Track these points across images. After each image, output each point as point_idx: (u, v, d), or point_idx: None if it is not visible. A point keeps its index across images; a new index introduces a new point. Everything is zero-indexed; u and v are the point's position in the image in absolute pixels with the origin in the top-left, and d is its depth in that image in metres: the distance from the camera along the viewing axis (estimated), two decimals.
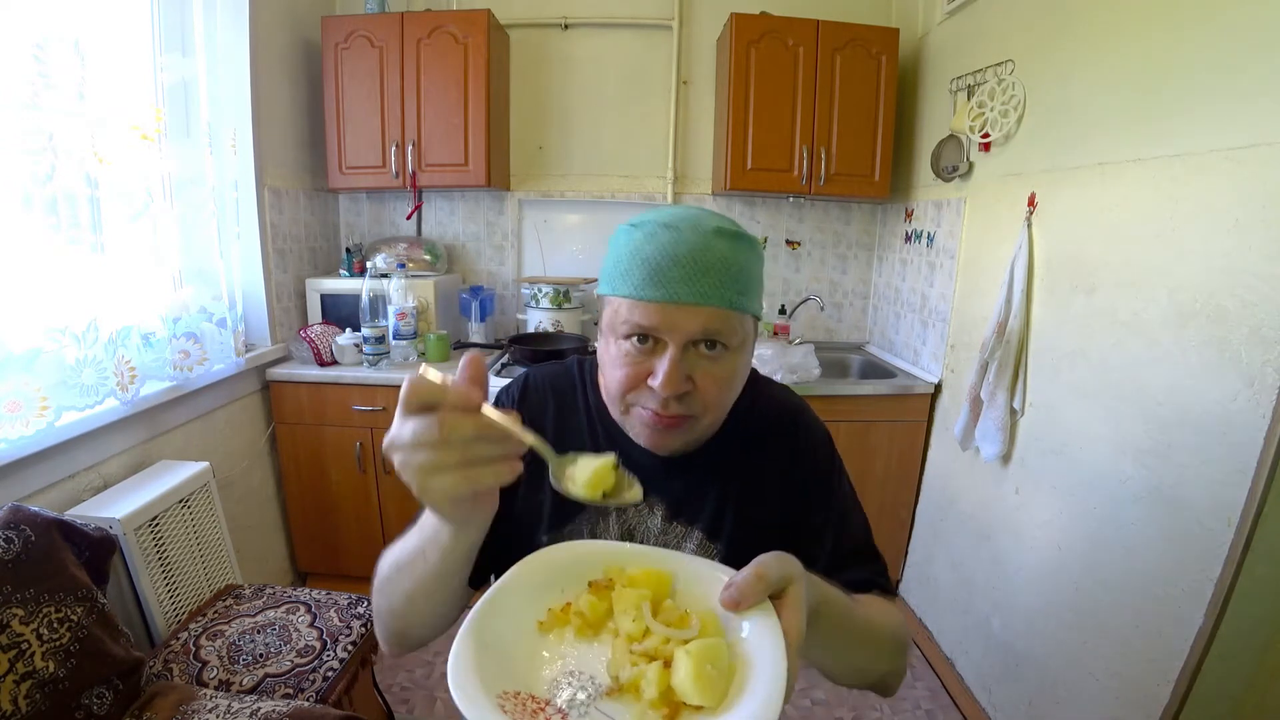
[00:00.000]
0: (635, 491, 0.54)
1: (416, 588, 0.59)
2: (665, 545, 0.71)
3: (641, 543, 0.71)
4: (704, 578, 0.50)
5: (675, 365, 0.62)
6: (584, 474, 0.49)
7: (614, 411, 0.71)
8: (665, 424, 0.65)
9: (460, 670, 0.43)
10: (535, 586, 0.51)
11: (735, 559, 0.69)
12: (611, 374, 0.66)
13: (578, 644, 0.48)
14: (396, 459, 0.44)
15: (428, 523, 0.54)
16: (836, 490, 0.79)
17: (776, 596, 0.48)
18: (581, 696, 0.44)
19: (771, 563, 0.48)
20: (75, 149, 1.41)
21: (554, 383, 0.81)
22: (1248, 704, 1.15)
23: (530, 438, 0.46)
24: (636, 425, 0.68)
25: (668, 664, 0.44)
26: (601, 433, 0.76)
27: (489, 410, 0.44)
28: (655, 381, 0.63)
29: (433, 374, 0.43)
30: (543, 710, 0.43)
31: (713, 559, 0.67)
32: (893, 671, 0.69)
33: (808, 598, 0.49)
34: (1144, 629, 1.25)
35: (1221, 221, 1.12)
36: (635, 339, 0.64)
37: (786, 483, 0.76)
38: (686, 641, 0.45)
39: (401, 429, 0.44)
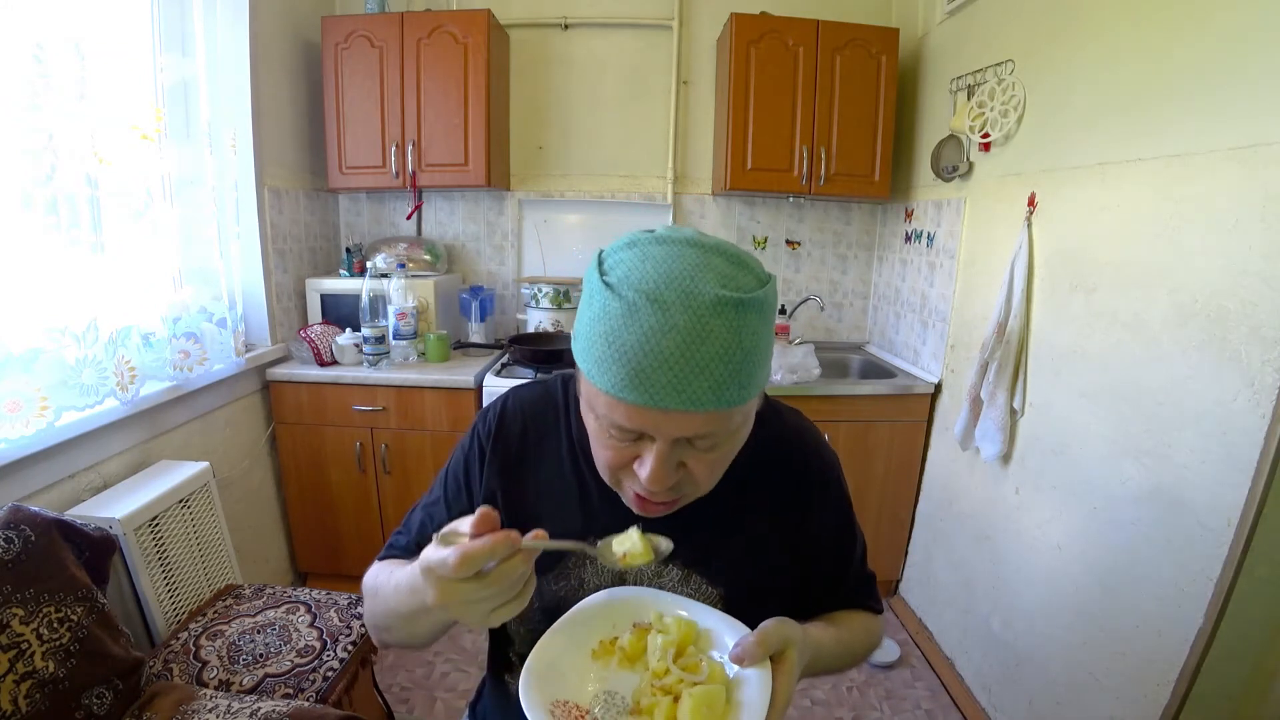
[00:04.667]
0: (665, 544, 0.59)
1: (405, 626, 0.64)
2: (660, 588, 0.69)
3: (634, 584, 0.70)
4: (724, 631, 0.61)
5: (662, 462, 0.55)
6: (623, 547, 0.57)
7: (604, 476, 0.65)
8: (654, 508, 0.62)
9: (528, 680, 0.56)
10: (594, 620, 0.63)
11: (737, 598, 0.70)
12: (595, 450, 0.61)
13: (619, 671, 0.60)
14: (454, 610, 0.50)
15: (425, 598, 0.51)
16: (849, 527, 0.78)
17: (776, 659, 0.55)
18: (611, 713, 0.56)
19: (773, 630, 0.56)
20: (75, 149, 1.41)
21: (531, 407, 0.77)
22: (1248, 704, 1.15)
23: (569, 543, 0.55)
24: (627, 496, 0.63)
25: (677, 699, 0.54)
26: (582, 459, 0.73)
27: (524, 541, 0.50)
28: (642, 474, 0.56)
29: (471, 543, 0.48)
30: (582, 718, 0.56)
31: (714, 603, 0.69)
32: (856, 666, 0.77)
33: (802, 660, 0.57)
34: (1144, 629, 1.25)
35: (1221, 221, 1.12)
36: (617, 429, 0.56)
37: (795, 521, 0.73)
38: (695, 684, 0.55)
39: (454, 591, 0.48)
